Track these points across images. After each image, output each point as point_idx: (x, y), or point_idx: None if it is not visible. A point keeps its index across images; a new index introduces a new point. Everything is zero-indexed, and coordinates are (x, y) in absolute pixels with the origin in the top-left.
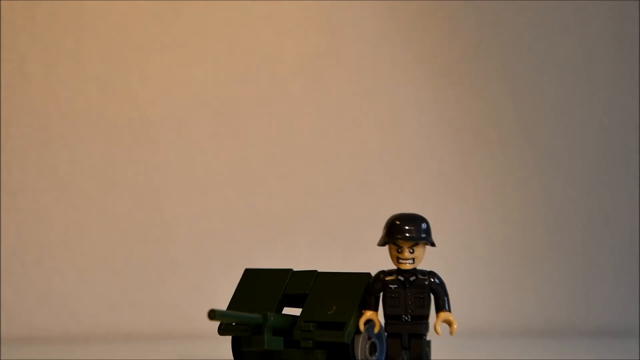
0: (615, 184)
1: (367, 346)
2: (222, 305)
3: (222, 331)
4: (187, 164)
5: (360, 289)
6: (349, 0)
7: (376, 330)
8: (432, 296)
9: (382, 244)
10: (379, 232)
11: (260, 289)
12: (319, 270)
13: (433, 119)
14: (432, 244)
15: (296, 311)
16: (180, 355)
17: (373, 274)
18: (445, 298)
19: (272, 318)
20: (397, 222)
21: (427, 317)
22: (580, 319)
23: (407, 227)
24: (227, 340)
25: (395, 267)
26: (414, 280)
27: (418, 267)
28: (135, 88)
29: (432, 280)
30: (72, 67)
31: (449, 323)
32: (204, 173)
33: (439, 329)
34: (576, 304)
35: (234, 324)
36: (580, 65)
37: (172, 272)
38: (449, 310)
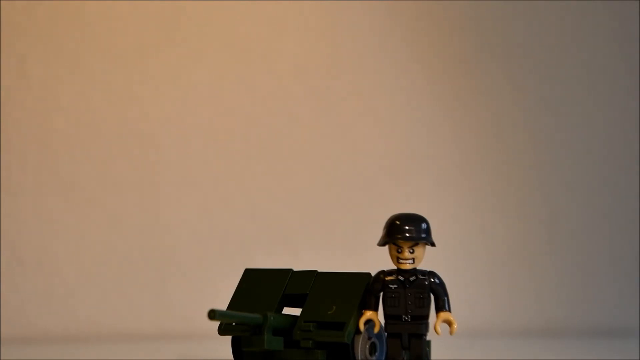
0: (615, 184)
1: (367, 346)
2: (222, 305)
3: (222, 331)
4: (187, 163)
5: (360, 289)
6: (350, 0)
7: (376, 330)
8: (432, 296)
9: (382, 244)
10: (379, 232)
11: (260, 289)
12: (319, 270)
13: (434, 119)
14: (432, 244)
15: (296, 311)
16: (180, 355)
17: (373, 274)
18: (445, 298)
19: (272, 318)
20: (397, 222)
21: (427, 317)
22: (580, 319)
23: (407, 227)
24: (227, 340)
25: (395, 267)
26: (414, 280)
27: (418, 267)
28: (136, 88)
29: (432, 280)
30: (72, 67)
31: (449, 323)
32: (204, 173)
33: (439, 329)
34: (576, 304)
35: (234, 324)
36: (580, 65)
37: (172, 272)
38: (449, 310)
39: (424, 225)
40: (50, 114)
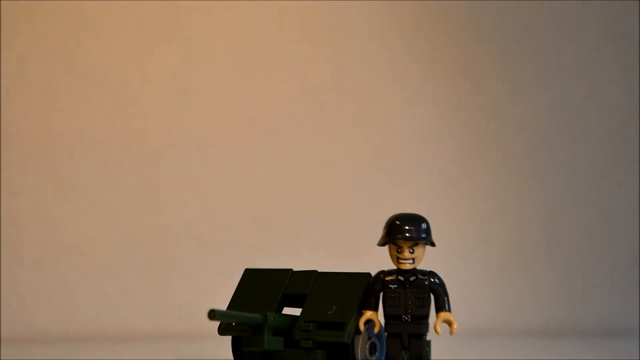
0: (615, 183)
1: (367, 346)
2: (222, 305)
3: (222, 331)
4: (187, 163)
5: (360, 289)
6: (350, 1)
7: (376, 330)
8: (432, 296)
9: (382, 244)
10: (379, 232)
11: (260, 289)
12: (319, 270)
13: (433, 120)
14: (432, 244)
15: (296, 311)
16: (180, 355)
17: (373, 274)
18: (445, 298)
19: (272, 318)
20: (397, 222)
21: (427, 317)
22: (580, 319)
23: (407, 227)
24: (227, 340)
25: (395, 267)
26: (414, 280)
27: (418, 267)
28: (136, 88)
29: (432, 280)
30: (72, 67)
31: (449, 323)
32: (204, 173)
33: (439, 329)
34: (576, 304)
35: (234, 324)
36: (579, 64)
37: (172, 272)
38: (449, 310)
39: (424, 225)
40: (50, 114)
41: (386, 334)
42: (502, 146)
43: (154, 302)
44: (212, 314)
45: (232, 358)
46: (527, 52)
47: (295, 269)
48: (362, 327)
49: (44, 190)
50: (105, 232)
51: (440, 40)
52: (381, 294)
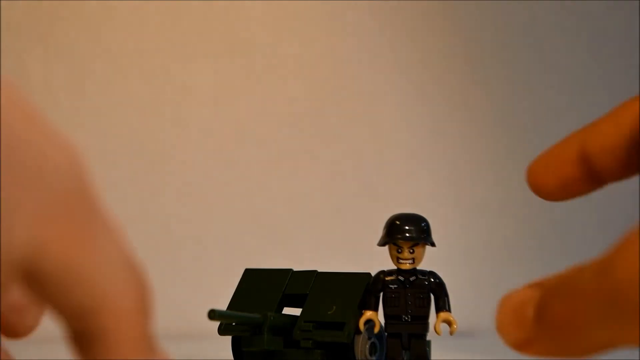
0: (614, 184)
1: (367, 346)
2: (222, 305)
3: (222, 331)
4: (188, 164)
5: (360, 289)
6: (350, 1)
7: (376, 330)
8: (432, 296)
9: (382, 244)
10: (379, 233)
11: (260, 289)
12: (319, 270)
13: (433, 121)
14: (432, 244)
15: (296, 311)
16: (180, 355)
17: (373, 274)
18: (445, 298)
19: (272, 318)
20: (397, 222)
21: (427, 317)
22: None
23: (407, 227)
24: (227, 340)
25: (395, 267)
26: (414, 280)
27: (418, 267)
28: (135, 88)
29: (432, 280)
30: (72, 67)
31: (449, 323)
32: (205, 173)
33: (439, 328)
34: None
35: (234, 324)
36: (579, 64)
37: (172, 272)
38: (449, 310)
39: (424, 226)
40: (50, 114)
41: (386, 334)
42: (503, 147)
43: (154, 302)
44: (212, 314)
45: (232, 358)
46: (528, 52)
47: (295, 269)
48: (362, 327)
49: None
50: None
51: (443, 42)
52: (381, 294)
